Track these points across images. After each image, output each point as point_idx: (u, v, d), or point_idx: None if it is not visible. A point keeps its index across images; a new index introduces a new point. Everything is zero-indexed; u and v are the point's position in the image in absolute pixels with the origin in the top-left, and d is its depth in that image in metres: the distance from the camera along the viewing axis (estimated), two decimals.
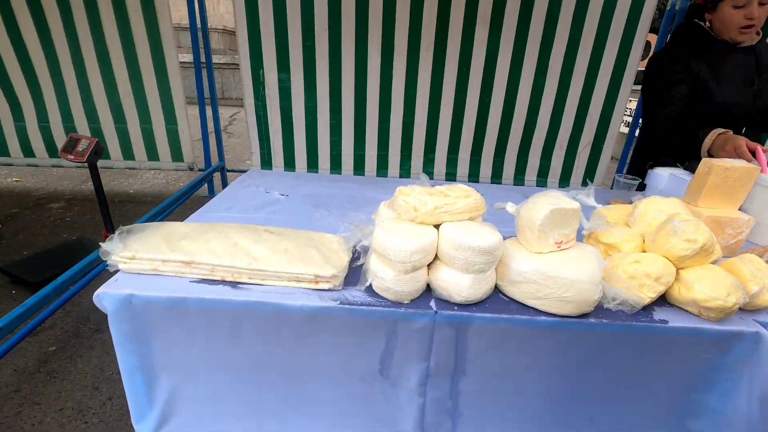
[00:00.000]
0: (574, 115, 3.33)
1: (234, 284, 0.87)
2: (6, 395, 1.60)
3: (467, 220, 0.88)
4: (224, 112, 3.50)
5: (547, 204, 0.85)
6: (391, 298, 0.84)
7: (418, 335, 0.86)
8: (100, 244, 0.87)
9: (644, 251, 0.95)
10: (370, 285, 0.86)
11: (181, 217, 1.17)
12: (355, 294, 0.87)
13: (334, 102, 3.18)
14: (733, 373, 0.86)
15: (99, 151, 1.72)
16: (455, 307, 0.84)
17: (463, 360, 0.89)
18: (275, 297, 0.83)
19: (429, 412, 0.96)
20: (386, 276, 0.83)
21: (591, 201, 1.33)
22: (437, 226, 0.88)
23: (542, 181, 3.57)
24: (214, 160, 3.71)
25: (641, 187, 1.51)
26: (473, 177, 3.51)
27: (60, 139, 3.43)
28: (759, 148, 1.22)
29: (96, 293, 0.81)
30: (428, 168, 3.49)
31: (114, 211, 2.88)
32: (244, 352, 0.88)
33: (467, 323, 0.84)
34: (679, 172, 1.33)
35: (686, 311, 0.86)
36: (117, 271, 0.88)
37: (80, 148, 1.70)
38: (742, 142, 1.22)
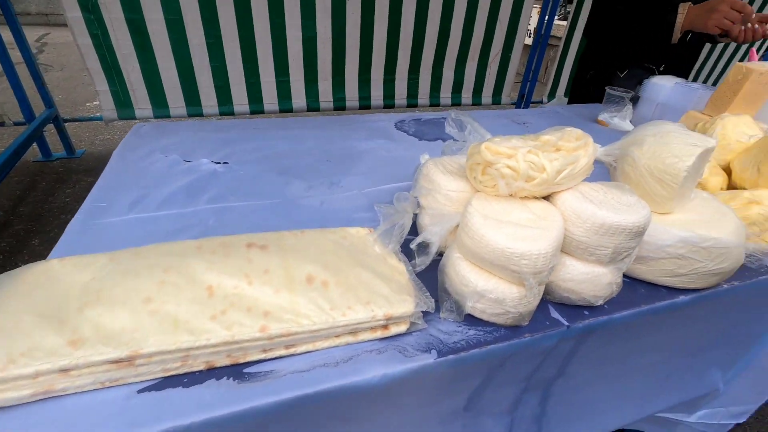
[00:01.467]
0: (485, 22, 3.12)
1: (239, 372, 0.45)
2: None
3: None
4: (26, 34, 2.31)
5: (687, 144, 0.60)
6: (509, 323, 0.54)
7: (531, 358, 0.60)
8: None
9: (731, 185, 0.82)
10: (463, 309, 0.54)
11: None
12: (449, 330, 0.54)
13: (207, 11, 2.34)
14: None
15: None
16: (586, 312, 0.59)
17: (567, 364, 0.68)
18: (325, 376, 0.46)
19: (515, 427, 0.75)
20: (506, 296, 0.51)
21: (627, 123, 1.16)
22: (546, 198, 0.58)
23: (456, 96, 3.43)
24: (37, 108, 2.56)
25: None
26: (388, 99, 3.16)
27: None
28: (753, 50, 1.16)
29: None
30: (338, 93, 3.00)
31: None
32: None
33: (595, 329, 0.60)
34: (682, 81, 1.23)
35: None
36: None
37: None
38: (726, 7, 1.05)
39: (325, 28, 2.66)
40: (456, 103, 3.41)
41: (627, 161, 0.65)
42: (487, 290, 0.52)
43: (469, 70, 3.30)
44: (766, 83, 1.00)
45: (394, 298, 0.50)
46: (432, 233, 0.58)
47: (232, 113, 2.72)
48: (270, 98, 2.80)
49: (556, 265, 0.57)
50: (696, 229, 0.60)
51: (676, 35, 1.18)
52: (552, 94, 3.74)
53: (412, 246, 0.60)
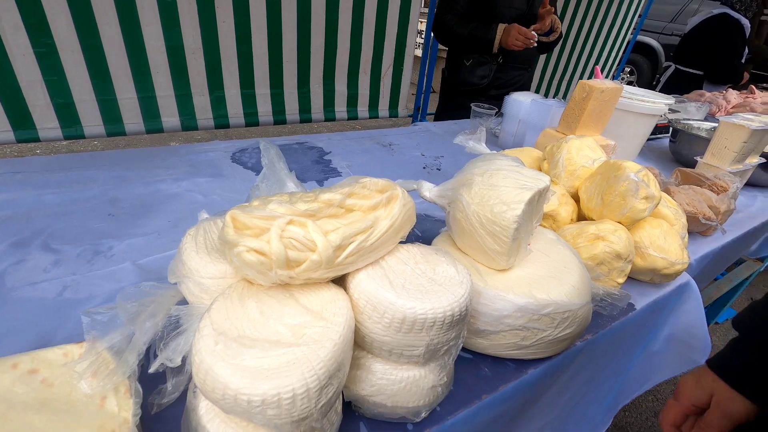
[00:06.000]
0: (373, 35, 3.07)
1: None
2: None
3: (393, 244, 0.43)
4: None
5: (516, 187, 0.48)
6: None
7: None
8: None
9: (580, 214, 0.75)
10: None
11: None
12: None
13: (33, 16, 1.88)
14: (658, 323, 0.79)
15: None
16: (410, 428, 0.43)
17: None
18: None
19: None
20: None
21: (482, 146, 1.07)
22: (339, 279, 0.41)
23: (352, 111, 3.32)
24: None
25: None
26: (278, 115, 2.92)
27: None
28: (598, 68, 1.18)
29: None
30: (219, 110, 2.67)
31: None
32: None
33: None
34: (539, 98, 1.20)
35: (635, 280, 0.71)
36: None
37: None
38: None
39: (193, 38, 2.34)
40: (352, 116, 3.29)
41: (458, 206, 0.52)
42: None
43: (362, 84, 3.20)
44: (609, 100, 0.99)
45: None
46: (172, 351, 0.38)
47: (82, 136, 2.24)
48: (132, 117, 2.37)
49: (358, 373, 0.40)
50: (536, 290, 0.48)
51: (495, 47, 1.46)
52: None
53: (150, 370, 0.39)
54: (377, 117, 3.51)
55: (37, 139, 2.24)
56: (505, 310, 0.47)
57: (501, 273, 0.51)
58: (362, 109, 3.53)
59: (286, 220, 0.35)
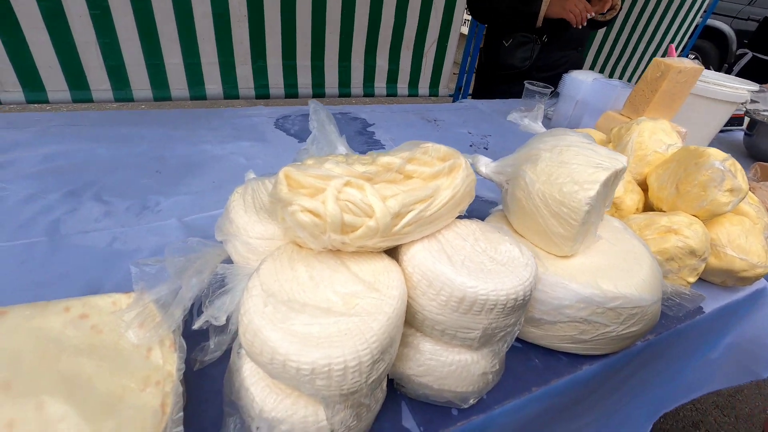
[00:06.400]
0: (419, 9, 2.94)
1: None
2: None
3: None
4: None
5: (590, 166, 0.43)
6: None
7: None
8: None
9: (647, 204, 0.68)
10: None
11: None
12: None
13: None
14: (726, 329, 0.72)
15: None
16: (455, 413, 0.41)
17: None
18: None
19: None
20: (308, 427, 0.31)
21: (538, 125, 1.01)
22: (391, 251, 0.38)
23: (392, 87, 3.24)
24: None
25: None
26: (318, 88, 2.89)
27: None
28: (672, 47, 1.06)
29: None
30: (260, 80, 2.68)
31: None
32: None
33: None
34: (601, 77, 1.11)
35: (704, 281, 0.65)
36: None
37: None
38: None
39: (238, 5, 2.33)
40: (392, 93, 3.21)
41: (519, 184, 0.47)
42: (280, 419, 0.31)
43: (404, 60, 3.11)
44: (686, 82, 0.89)
45: None
46: (217, 309, 0.37)
47: (131, 99, 2.31)
48: (178, 83, 2.42)
49: (405, 351, 0.38)
50: (602, 281, 0.43)
51: (540, 20, 1.30)
52: None
53: (194, 327, 0.38)
54: (417, 95, 3.42)
55: (90, 100, 2.32)
56: (566, 300, 0.43)
57: (562, 259, 0.46)
58: (402, 86, 3.43)
59: (344, 181, 0.33)
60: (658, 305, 0.46)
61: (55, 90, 2.22)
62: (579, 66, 1.61)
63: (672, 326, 0.56)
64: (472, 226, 0.41)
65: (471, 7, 1.55)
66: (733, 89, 1.00)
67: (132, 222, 0.58)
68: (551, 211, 0.44)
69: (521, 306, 0.36)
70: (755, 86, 1.04)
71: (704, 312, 0.60)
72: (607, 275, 0.44)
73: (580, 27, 1.28)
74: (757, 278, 0.61)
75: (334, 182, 0.32)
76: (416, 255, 0.36)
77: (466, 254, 0.36)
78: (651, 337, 0.53)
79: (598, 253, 0.48)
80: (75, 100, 2.17)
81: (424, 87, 3.51)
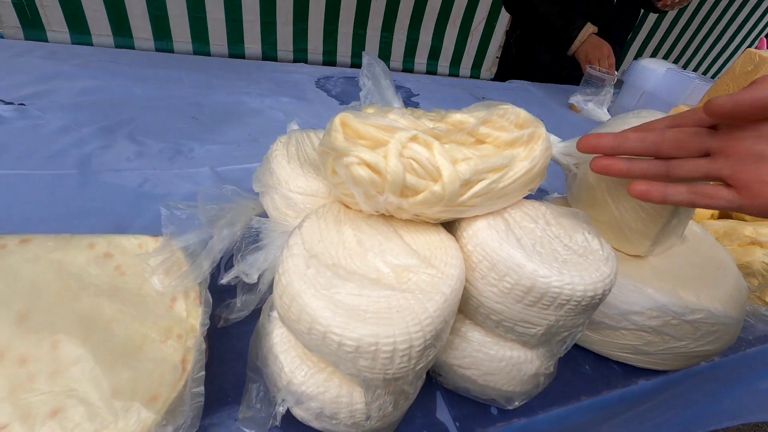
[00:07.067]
0: None
1: None
2: None
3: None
4: None
5: None
6: None
7: None
8: None
9: (722, 212, 0.60)
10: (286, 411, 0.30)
11: None
12: None
13: None
14: None
15: None
16: (494, 412, 0.36)
17: None
18: None
19: None
20: (341, 407, 0.28)
21: (603, 112, 0.92)
22: (448, 225, 0.34)
23: (433, 64, 3.11)
24: None
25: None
26: (356, 57, 2.80)
27: None
28: (764, 39, 0.94)
29: None
30: (300, 44, 2.61)
31: None
32: None
33: None
34: (676, 68, 1.00)
35: None
36: None
37: None
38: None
39: None
40: (431, 71, 3.09)
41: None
42: (309, 394, 0.28)
43: (449, 37, 2.97)
44: None
45: (105, 410, 0.25)
46: (249, 265, 0.33)
47: (171, 50, 2.31)
48: (218, 39, 2.39)
49: (450, 337, 0.33)
50: (682, 289, 0.38)
51: (572, 50, 1.14)
52: None
53: (222, 281, 0.35)
54: (457, 75, 3.28)
55: (132, 47, 2.32)
56: (637, 305, 0.37)
57: (635, 259, 0.41)
58: (443, 65, 3.30)
59: (410, 134, 0.28)
60: (740, 325, 0.40)
61: (100, 34, 2.23)
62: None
63: (741, 349, 0.49)
64: (542, 207, 0.36)
65: (506, 3, 1.39)
66: None
67: (164, 165, 0.56)
68: (632, 203, 0.38)
69: (596, 305, 0.30)
70: None
71: None
72: (689, 284, 0.38)
73: None
74: None
75: (399, 135, 0.28)
76: (480, 232, 0.31)
77: (537, 238, 0.31)
78: (717, 358, 0.47)
79: (676, 257, 0.42)
80: (117, 46, 2.16)
81: (466, 68, 3.36)
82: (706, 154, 0.28)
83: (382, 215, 0.31)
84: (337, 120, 0.30)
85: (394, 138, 0.28)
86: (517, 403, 0.35)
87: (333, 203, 0.33)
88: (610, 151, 0.32)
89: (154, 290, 0.34)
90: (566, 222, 0.34)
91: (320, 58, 2.80)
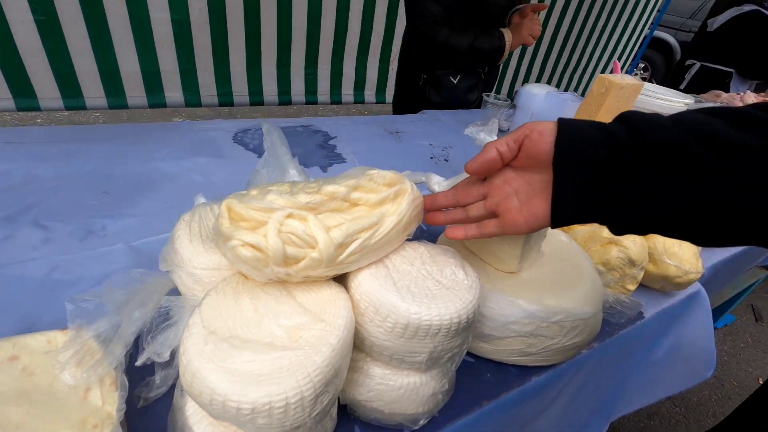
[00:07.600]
0: (385, 16, 2.97)
1: None
2: None
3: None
4: None
5: None
6: None
7: None
8: None
9: None
10: None
11: None
12: None
13: None
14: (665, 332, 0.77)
15: None
16: None
17: None
18: None
19: None
20: None
21: (493, 138, 1.03)
22: (340, 277, 0.39)
23: (359, 94, 3.24)
24: None
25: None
26: (284, 95, 2.86)
27: None
28: (617, 63, 1.13)
29: None
30: (224, 87, 2.61)
31: None
32: None
33: None
34: (554, 90, 1.16)
35: (644, 287, 0.69)
36: None
37: None
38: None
39: (199, 10, 2.27)
40: (359, 100, 3.22)
41: None
42: None
43: (371, 67, 3.13)
44: (628, 97, 0.95)
45: None
46: (160, 344, 0.36)
47: (83, 107, 2.20)
48: (135, 90, 2.33)
49: (356, 376, 0.38)
50: (545, 296, 0.46)
51: (506, 55, 1.26)
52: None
53: (137, 364, 0.37)
54: (384, 102, 3.44)
55: (37, 108, 2.19)
56: (513, 316, 0.44)
57: (510, 276, 0.48)
58: (369, 93, 3.44)
59: (286, 213, 0.33)
60: (598, 316, 0.49)
61: (48, 98, 2.10)
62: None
63: (614, 333, 0.59)
64: (420, 248, 0.42)
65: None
66: (671, 102, 1.07)
67: (74, 248, 0.56)
68: None
69: (466, 328, 0.37)
70: (691, 99, 1.12)
71: (644, 317, 0.64)
72: (551, 290, 0.46)
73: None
74: (690, 283, 0.65)
75: (276, 215, 0.32)
76: (363, 282, 0.36)
77: (412, 279, 0.37)
78: (596, 344, 0.56)
79: (544, 267, 0.50)
80: (20, 109, 2.04)
81: (391, 94, 3.53)
82: (484, 198, 0.38)
83: (277, 281, 0.36)
84: (223, 206, 0.34)
85: (272, 218, 0.32)
86: (422, 422, 0.40)
87: (234, 275, 0.37)
88: (430, 207, 0.42)
89: (66, 385, 0.35)
90: (440, 259, 0.41)
91: (246, 99, 2.81)
